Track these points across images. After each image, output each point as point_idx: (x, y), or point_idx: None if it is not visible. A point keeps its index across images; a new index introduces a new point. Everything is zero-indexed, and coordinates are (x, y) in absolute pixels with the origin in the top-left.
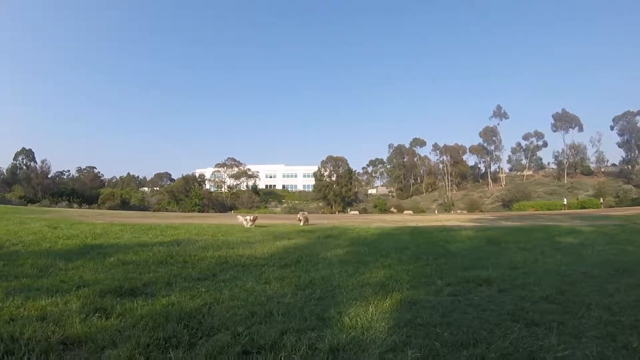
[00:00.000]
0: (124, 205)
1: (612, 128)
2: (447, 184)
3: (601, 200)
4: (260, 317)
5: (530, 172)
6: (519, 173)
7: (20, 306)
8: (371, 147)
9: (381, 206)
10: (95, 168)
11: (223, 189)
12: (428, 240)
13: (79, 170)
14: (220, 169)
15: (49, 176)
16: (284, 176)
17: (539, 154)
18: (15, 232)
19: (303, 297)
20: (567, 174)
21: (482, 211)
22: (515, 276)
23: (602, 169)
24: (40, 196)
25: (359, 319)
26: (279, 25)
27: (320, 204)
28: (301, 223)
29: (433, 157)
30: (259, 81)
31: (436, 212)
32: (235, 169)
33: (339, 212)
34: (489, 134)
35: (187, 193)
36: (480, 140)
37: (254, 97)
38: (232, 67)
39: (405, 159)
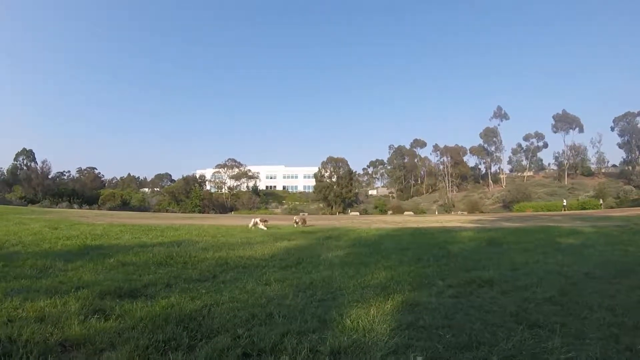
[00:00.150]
0: (125, 206)
1: (612, 129)
2: (447, 185)
3: (601, 201)
4: (260, 319)
5: (531, 173)
6: (519, 174)
7: (19, 307)
8: (371, 147)
9: (382, 207)
10: (96, 169)
11: (223, 190)
12: (429, 242)
13: (80, 170)
14: (220, 170)
15: (50, 177)
16: (284, 177)
17: (540, 155)
18: (15, 233)
19: (304, 298)
20: (568, 175)
21: (482, 212)
22: (517, 277)
23: (603, 170)
24: (40, 197)
25: (360, 321)
26: (279, 25)
27: (321, 205)
28: (298, 225)
29: (433, 158)
30: (259, 81)
31: (437, 213)
32: (236, 170)
33: (339, 213)
34: (490, 134)
35: (188, 194)
36: (481, 141)
37: (254, 97)
38: (232, 67)
39: (405, 160)
